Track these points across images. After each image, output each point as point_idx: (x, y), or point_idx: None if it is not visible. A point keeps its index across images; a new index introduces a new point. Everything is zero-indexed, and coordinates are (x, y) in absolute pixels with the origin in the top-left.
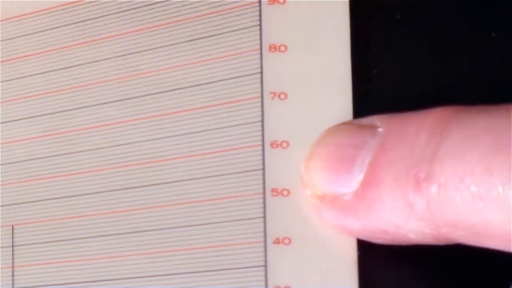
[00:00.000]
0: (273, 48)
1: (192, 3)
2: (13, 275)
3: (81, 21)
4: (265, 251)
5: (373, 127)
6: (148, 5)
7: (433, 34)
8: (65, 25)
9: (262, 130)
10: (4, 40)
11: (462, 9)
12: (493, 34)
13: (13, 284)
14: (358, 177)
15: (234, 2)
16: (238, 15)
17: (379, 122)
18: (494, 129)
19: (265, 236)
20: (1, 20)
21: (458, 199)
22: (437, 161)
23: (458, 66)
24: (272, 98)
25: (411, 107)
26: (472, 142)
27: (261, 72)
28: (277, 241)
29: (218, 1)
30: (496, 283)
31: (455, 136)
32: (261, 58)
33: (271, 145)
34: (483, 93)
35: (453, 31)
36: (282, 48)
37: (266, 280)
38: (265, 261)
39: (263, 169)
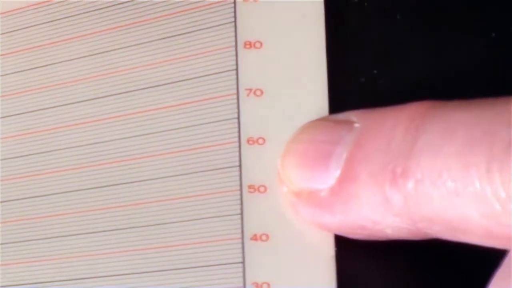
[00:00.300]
0: (248, 44)
1: (167, 1)
2: None
3: (54, 20)
4: (243, 247)
5: (349, 123)
6: (122, 3)
7: (419, 30)
8: (37, 24)
9: (238, 127)
10: None
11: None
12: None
13: None
14: (334, 173)
15: None
16: (212, 12)
17: (355, 117)
18: (471, 124)
19: (242, 232)
20: None
21: (435, 194)
22: (413, 156)
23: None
24: (248, 95)
25: (389, 103)
26: (449, 137)
27: (237, 69)
28: (254, 238)
29: None
30: (473, 278)
31: (432, 131)
32: (236, 54)
33: (248, 141)
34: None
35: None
36: (257, 45)
37: (244, 277)
38: (243, 257)
39: (240, 166)
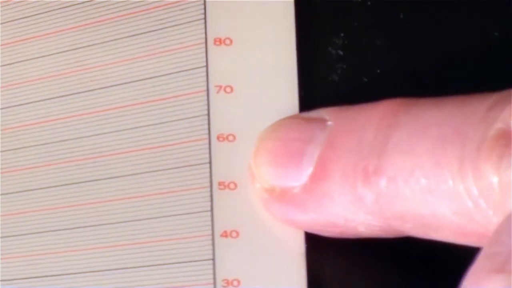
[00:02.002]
0: (218, 41)
1: None
2: None
3: (24, 17)
4: (213, 244)
5: (321, 121)
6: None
7: (381, 23)
8: (8, 22)
9: (208, 124)
10: None
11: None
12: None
13: None
14: (307, 171)
15: None
16: (182, 9)
17: (328, 115)
18: (443, 122)
19: (212, 229)
20: None
21: (407, 192)
22: (385, 154)
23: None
24: (218, 92)
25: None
26: (421, 135)
27: (207, 66)
28: (224, 235)
29: None
30: (444, 275)
31: (404, 129)
32: (206, 51)
33: (218, 138)
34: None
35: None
36: (227, 42)
37: (214, 274)
38: (213, 254)
39: (210, 162)
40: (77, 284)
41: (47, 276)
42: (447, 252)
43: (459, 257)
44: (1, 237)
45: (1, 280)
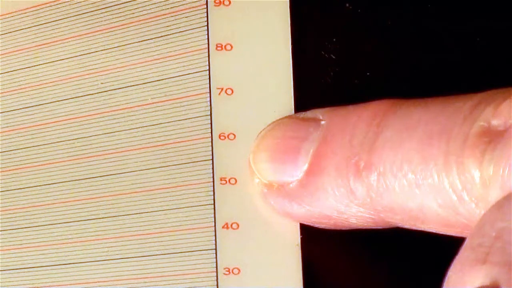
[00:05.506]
0: (220, 47)
1: (143, 6)
2: None
3: (41, 24)
4: (215, 235)
5: (316, 120)
6: (103, 8)
7: (376, 23)
8: (26, 28)
9: (211, 123)
10: None
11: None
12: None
13: None
14: (303, 166)
15: (183, 4)
16: (186, 17)
17: (321, 115)
18: (430, 120)
19: (214, 221)
20: None
21: (396, 186)
22: (375, 150)
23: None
24: (220, 94)
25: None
26: (409, 132)
27: (209, 69)
28: (225, 226)
29: (168, 4)
30: (432, 263)
31: (392, 127)
32: (208, 56)
33: (219, 137)
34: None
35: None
36: (228, 47)
37: (216, 262)
38: (215, 244)
39: (212, 159)
40: (85, 272)
41: (58, 264)
42: (435, 242)
43: (447, 247)
44: (22, 228)
45: (15, 269)
